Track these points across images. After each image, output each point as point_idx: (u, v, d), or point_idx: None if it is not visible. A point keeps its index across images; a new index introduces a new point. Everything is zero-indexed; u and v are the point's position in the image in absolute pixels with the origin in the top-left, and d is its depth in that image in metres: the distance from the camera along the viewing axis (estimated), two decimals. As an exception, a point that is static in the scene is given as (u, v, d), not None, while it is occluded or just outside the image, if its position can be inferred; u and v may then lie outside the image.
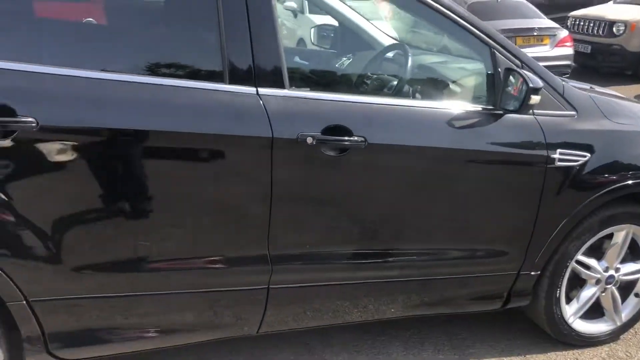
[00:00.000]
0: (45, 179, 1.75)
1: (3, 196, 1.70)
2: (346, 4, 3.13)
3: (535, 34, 8.13)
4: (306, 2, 6.70)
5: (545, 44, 8.21)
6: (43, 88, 1.73)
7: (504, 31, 8.01)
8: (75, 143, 1.75)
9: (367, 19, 3.19)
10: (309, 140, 1.94)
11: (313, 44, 3.51)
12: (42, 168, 1.74)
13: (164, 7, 2.14)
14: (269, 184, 1.94)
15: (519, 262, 2.43)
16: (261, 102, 1.91)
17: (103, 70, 1.80)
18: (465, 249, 2.36)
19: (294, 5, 7.60)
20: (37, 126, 1.68)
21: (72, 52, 1.89)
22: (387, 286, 2.32)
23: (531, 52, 8.01)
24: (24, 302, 1.82)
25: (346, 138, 1.99)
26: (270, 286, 2.09)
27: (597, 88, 3.01)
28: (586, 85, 2.91)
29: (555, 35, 8.28)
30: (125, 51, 1.97)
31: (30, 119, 1.68)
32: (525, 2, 9.33)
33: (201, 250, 1.98)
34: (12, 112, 1.67)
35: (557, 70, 7.76)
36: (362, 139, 2.00)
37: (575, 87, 2.59)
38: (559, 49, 8.29)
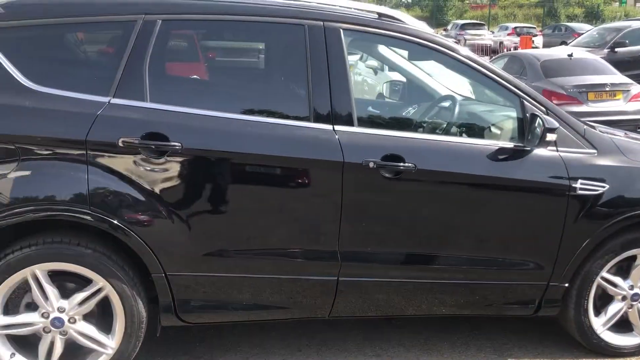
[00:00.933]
0: (185, 185, 2.51)
1: (156, 197, 2.46)
2: (413, 64, 3.80)
3: (607, 89, 8.42)
4: (385, 61, 7.50)
5: (617, 99, 8.46)
6: (184, 123, 2.50)
7: (575, 87, 8.39)
8: (207, 161, 2.50)
9: (430, 75, 3.84)
10: (371, 164, 2.59)
11: (385, 97, 4.19)
12: (183, 177, 2.49)
13: (271, 71, 2.88)
14: (340, 196, 2.60)
15: (548, 274, 2.90)
16: (336, 136, 2.60)
17: (226, 112, 2.56)
18: (501, 259, 2.87)
19: (374, 64, 8.42)
20: (182, 148, 2.45)
21: (205, 98, 2.67)
22: (436, 287, 2.86)
23: (603, 106, 8.31)
24: (163, 275, 2.55)
25: (400, 164, 2.62)
26: (340, 278, 2.71)
27: (632, 134, 3.49)
28: (622, 132, 3.41)
29: (628, 90, 8.53)
30: (241, 99, 2.72)
31: (177, 144, 2.44)
32: (598, 58, 9.66)
33: (289, 243, 2.64)
34: (165, 139, 2.44)
35: (632, 124, 8.01)
36: (413, 165, 2.63)
37: (603, 132, 3.10)
38: (632, 103, 8.50)
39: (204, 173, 2.52)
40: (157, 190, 2.47)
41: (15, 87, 2.40)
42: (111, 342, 2.59)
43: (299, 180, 2.61)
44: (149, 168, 2.46)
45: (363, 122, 2.73)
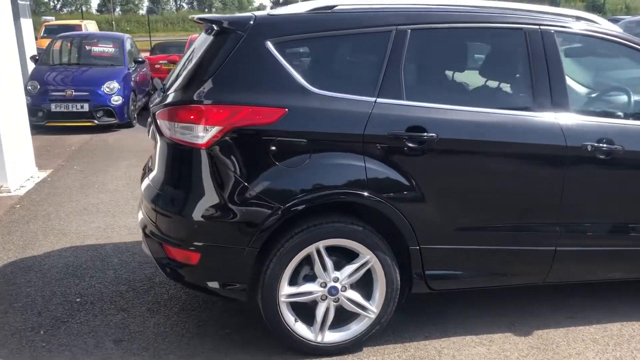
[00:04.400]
0: (439, 170, 2.91)
1: (416, 180, 2.87)
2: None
3: None
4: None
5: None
6: (437, 117, 2.90)
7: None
8: (457, 148, 2.92)
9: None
10: (589, 147, 3.02)
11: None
12: (438, 163, 2.90)
13: (500, 69, 3.27)
14: (562, 175, 3.02)
15: None
16: (559, 123, 3.02)
17: (468, 106, 2.98)
18: None
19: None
20: (437, 138, 2.87)
21: (450, 95, 3.08)
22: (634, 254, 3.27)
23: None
24: (417, 247, 2.96)
25: (612, 146, 3.04)
26: (557, 248, 3.13)
27: None
28: None
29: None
30: (479, 94, 3.14)
31: (433, 134, 2.86)
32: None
33: (522, 218, 3.06)
34: (424, 130, 2.86)
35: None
36: (621, 147, 3.05)
37: None
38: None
39: (454, 159, 2.94)
40: (416, 174, 2.88)
41: (301, 91, 2.82)
42: (373, 307, 3.01)
43: (531, 163, 3.03)
44: (410, 156, 2.87)
45: (575, 111, 3.14)
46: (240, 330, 3.26)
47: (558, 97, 3.06)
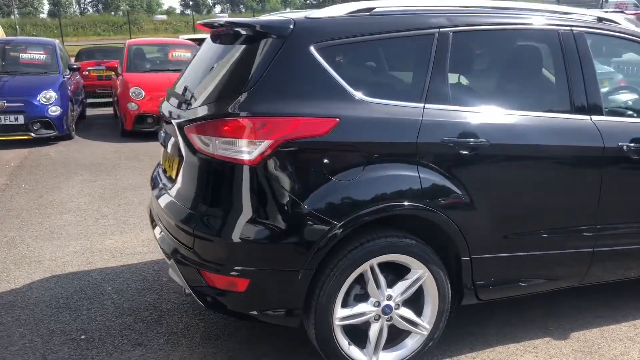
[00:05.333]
0: (491, 176, 2.82)
1: (469, 188, 2.75)
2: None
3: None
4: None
5: None
6: (486, 121, 2.81)
7: None
8: (507, 153, 2.84)
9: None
10: (624, 147, 3.03)
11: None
12: (489, 169, 2.81)
13: (539, 71, 3.19)
14: (600, 176, 3.02)
15: None
16: (594, 124, 3.01)
17: (511, 110, 2.90)
18: None
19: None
20: (488, 143, 2.77)
21: (494, 99, 2.98)
22: None
23: None
24: (469, 258, 2.85)
25: (642, 146, 3.08)
26: (595, 249, 3.12)
27: None
28: None
29: None
30: (521, 97, 3.01)
31: (484, 140, 2.76)
32: None
33: (569, 221, 3.02)
34: (475, 136, 2.76)
35: None
36: (651, 147, 3.09)
37: None
38: None
39: (505, 164, 2.86)
40: (468, 181, 2.76)
41: (350, 100, 2.63)
42: (424, 323, 2.86)
43: (574, 165, 3.01)
44: (461, 163, 2.76)
45: (608, 112, 3.15)
46: (277, 358, 3.01)
47: (592, 98, 3.05)
